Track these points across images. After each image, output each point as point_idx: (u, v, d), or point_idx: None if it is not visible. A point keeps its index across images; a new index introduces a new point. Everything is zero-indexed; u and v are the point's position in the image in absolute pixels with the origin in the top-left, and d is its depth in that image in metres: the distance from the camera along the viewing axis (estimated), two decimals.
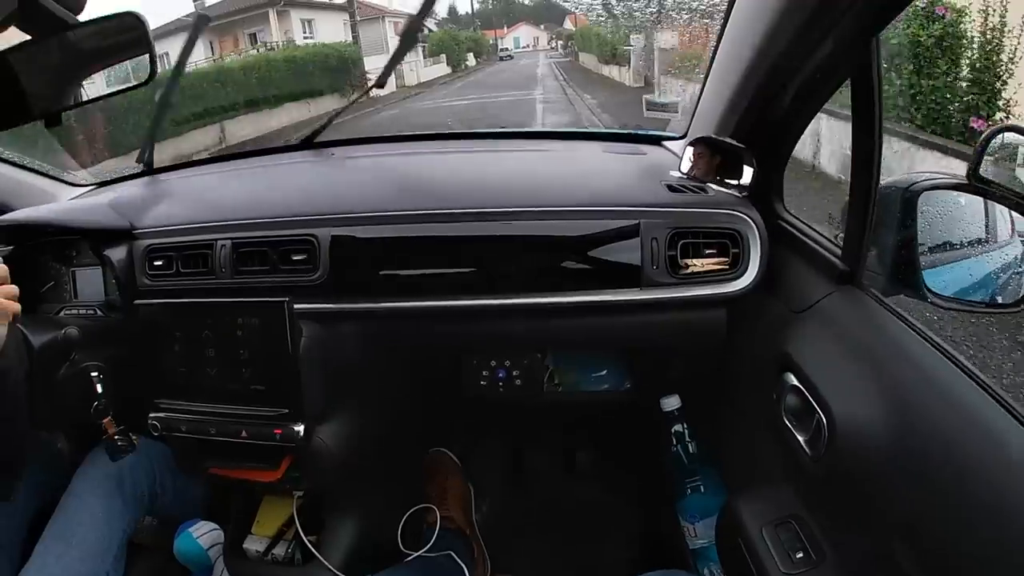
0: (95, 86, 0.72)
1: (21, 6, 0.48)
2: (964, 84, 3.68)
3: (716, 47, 0.90)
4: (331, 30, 13.82)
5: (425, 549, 1.09)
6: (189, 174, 1.27)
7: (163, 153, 1.26)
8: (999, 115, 3.51)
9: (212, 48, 12.78)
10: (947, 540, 0.53)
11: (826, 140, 4.29)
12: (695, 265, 0.88)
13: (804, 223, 0.89)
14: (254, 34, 13.28)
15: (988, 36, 3.56)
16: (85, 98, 0.71)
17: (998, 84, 3.54)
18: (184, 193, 1.13)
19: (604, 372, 1.15)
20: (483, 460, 1.41)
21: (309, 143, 1.26)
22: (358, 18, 14.09)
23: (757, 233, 0.87)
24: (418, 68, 15.66)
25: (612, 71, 11.08)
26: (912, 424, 0.59)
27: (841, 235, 0.76)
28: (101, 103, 0.73)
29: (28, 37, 0.57)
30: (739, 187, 0.88)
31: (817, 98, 0.78)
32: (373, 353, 0.98)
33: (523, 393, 1.11)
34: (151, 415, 0.90)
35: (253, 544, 1.04)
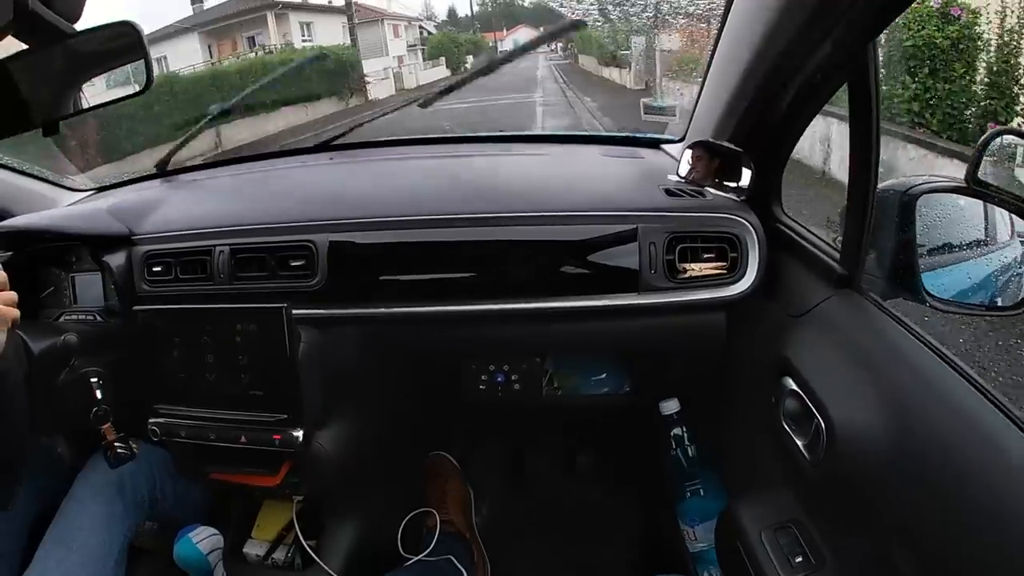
0: (95, 90, 0.72)
1: (17, 16, 0.48)
2: (981, 88, 3.56)
3: (714, 50, 0.90)
4: (330, 33, 13.83)
5: (425, 553, 1.09)
6: (196, 177, 1.27)
7: (156, 157, 1.28)
8: (1016, 120, 3.41)
9: (210, 51, 12.81)
10: (946, 544, 0.53)
11: (836, 146, 4.12)
12: (693, 269, 0.88)
13: (802, 226, 0.89)
14: (252, 37, 13.32)
15: (1006, 38, 3.45)
16: (85, 105, 0.71)
17: (1016, 88, 3.43)
18: (182, 199, 1.13)
19: (603, 376, 1.14)
20: (482, 463, 1.40)
21: (327, 146, 1.30)
22: (356, 21, 14.11)
23: (755, 237, 0.87)
24: (417, 71, 15.70)
25: (612, 73, 11.06)
26: (911, 428, 0.59)
27: (839, 238, 0.76)
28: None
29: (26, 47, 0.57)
30: (737, 190, 0.88)
31: (815, 101, 0.78)
32: (371, 358, 0.98)
33: (522, 397, 1.11)
34: (151, 420, 0.90)
35: (253, 548, 1.05)
